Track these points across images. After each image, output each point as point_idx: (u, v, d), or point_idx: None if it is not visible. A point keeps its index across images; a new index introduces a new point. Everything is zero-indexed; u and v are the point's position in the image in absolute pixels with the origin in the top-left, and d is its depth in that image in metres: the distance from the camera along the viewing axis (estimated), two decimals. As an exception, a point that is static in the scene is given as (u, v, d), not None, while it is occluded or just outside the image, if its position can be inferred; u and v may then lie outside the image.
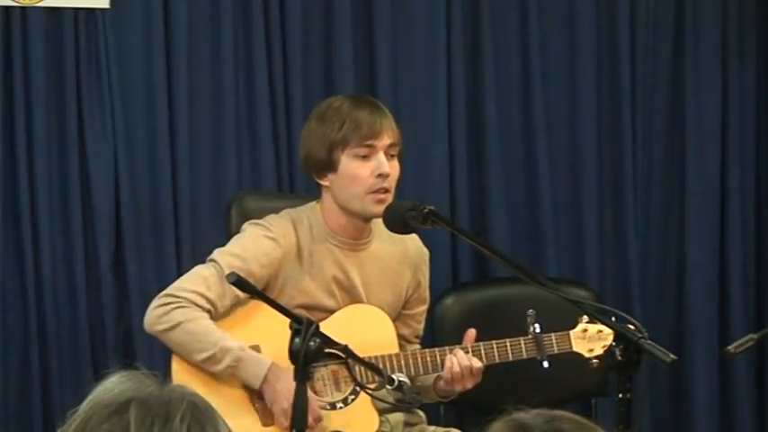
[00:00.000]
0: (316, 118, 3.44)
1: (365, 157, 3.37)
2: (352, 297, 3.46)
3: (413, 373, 3.39)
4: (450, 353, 3.37)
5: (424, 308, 3.63)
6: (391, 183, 3.39)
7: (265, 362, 3.28)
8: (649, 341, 2.55)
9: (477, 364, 3.35)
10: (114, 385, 1.55)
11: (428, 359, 3.39)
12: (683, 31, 4.53)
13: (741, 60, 4.58)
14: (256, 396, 3.33)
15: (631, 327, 2.64)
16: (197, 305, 3.30)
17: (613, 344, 2.59)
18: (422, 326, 3.64)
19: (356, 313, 3.45)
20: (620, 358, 2.55)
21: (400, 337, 3.56)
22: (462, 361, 3.35)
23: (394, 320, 3.53)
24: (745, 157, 4.61)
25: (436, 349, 3.42)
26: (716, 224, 4.59)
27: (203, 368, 3.30)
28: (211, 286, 3.31)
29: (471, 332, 3.40)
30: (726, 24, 4.57)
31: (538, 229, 4.42)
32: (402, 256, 3.54)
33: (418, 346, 3.59)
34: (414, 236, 3.50)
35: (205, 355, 3.27)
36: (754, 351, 4.32)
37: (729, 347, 3.39)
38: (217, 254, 3.39)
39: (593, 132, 4.47)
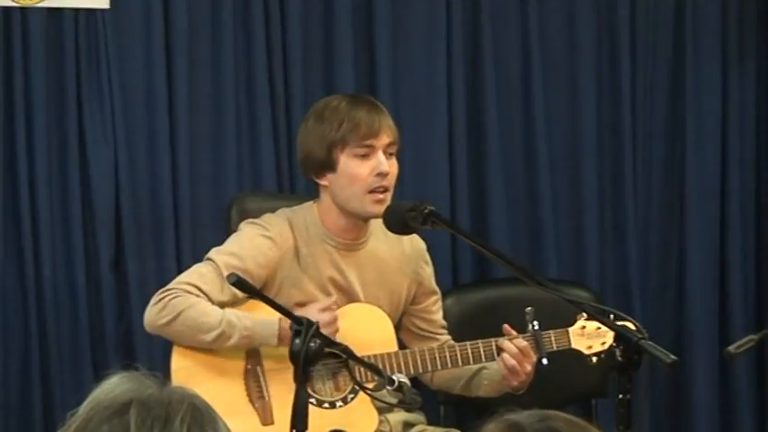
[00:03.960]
0: (313, 117, 3.45)
1: (364, 157, 3.37)
2: (349, 297, 3.47)
3: (420, 371, 3.41)
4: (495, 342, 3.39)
5: (435, 298, 3.64)
6: (390, 181, 3.40)
7: (273, 321, 3.27)
8: (649, 342, 2.56)
9: (521, 344, 3.37)
10: (114, 386, 1.55)
11: (435, 356, 3.40)
12: (683, 31, 4.53)
13: (741, 60, 4.58)
14: (257, 393, 3.33)
15: (631, 327, 2.64)
16: (191, 294, 3.31)
17: (614, 344, 2.59)
18: (440, 315, 3.65)
19: (354, 312, 3.45)
20: (620, 359, 2.55)
21: (423, 331, 3.57)
22: (510, 350, 3.36)
23: (409, 317, 3.55)
24: (745, 157, 4.61)
25: (445, 346, 3.44)
26: (716, 224, 4.59)
27: (214, 348, 3.30)
28: (208, 282, 3.32)
29: (508, 329, 3.41)
30: (726, 24, 4.57)
31: (538, 229, 4.42)
32: (399, 255, 3.55)
33: (448, 337, 3.59)
34: None
35: (214, 334, 3.28)
36: (754, 351, 4.32)
37: (730, 348, 3.39)
38: (214, 253, 3.40)
39: (593, 132, 4.47)
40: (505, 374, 3.37)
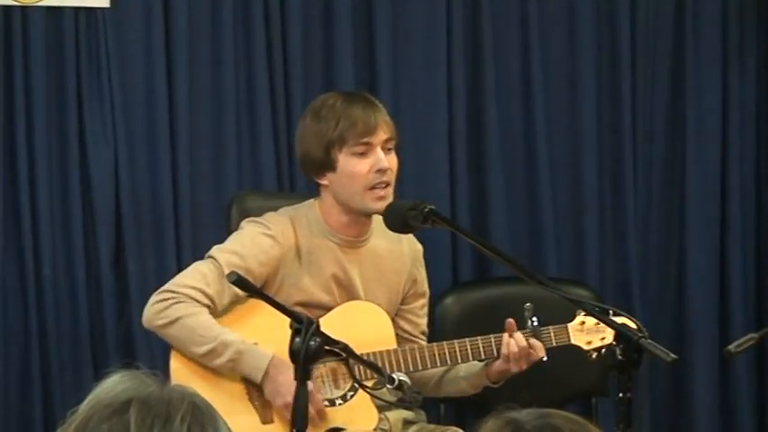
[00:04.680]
0: (310, 116, 3.45)
1: (363, 154, 3.38)
2: (350, 294, 3.47)
3: (420, 368, 3.40)
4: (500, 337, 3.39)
5: (423, 301, 3.64)
6: (391, 176, 3.40)
7: (266, 355, 3.28)
8: (650, 340, 2.55)
9: (537, 343, 3.36)
10: (115, 385, 1.55)
11: (435, 353, 3.40)
12: (683, 31, 4.53)
13: (741, 60, 4.58)
14: (256, 392, 3.34)
15: (632, 325, 2.64)
16: (196, 300, 3.31)
17: (614, 343, 2.59)
18: (424, 320, 3.64)
19: (354, 310, 3.45)
20: (620, 357, 2.55)
21: (404, 332, 3.56)
22: (520, 342, 3.36)
23: (394, 317, 3.54)
24: (746, 156, 4.61)
25: (444, 343, 3.43)
26: (716, 224, 4.59)
27: (203, 363, 3.30)
28: (210, 283, 3.32)
29: (510, 321, 3.41)
30: (726, 24, 4.57)
31: (538, 229, 4.42)
32: (398, 254, 3.55)
33: (426, 344, 3.58)
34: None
35: (205, 348, 3.28)
36: (754, 351, 4.32)
37: (730, 347, 3.39)
38: (215, 251, 3.40)
39: (594, 132, 4.47)
40: (502, 360, 3.37)
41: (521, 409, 1.65)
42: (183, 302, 3.30)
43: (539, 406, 1.66)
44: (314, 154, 3.41)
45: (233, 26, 4.10)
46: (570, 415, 1.64)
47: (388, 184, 3.39)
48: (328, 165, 3.39)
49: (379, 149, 3.38)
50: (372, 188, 3.37)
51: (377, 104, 3.45)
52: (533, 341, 3.37)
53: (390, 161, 3.40)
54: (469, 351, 3.41)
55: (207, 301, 3.32)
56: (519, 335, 3.37)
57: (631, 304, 4.43)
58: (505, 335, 3.37)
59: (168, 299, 3.31)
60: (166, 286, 3.35)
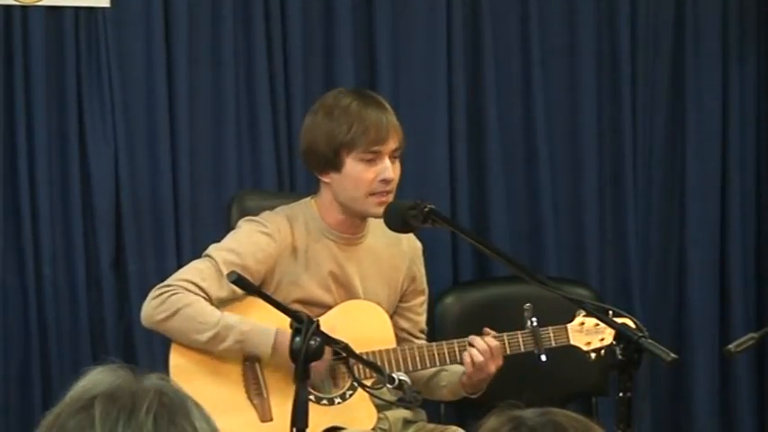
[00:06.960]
0: (322, 113, 3.43)
1: (370, 161, 3.38)
2: (348, 292, 3.47)
3: (419, 367, 3.40)
4: (465, 344, 3.38)
5: (422, 299, 3.64)
6: (393, 186, 3.40)
7: (270, 330, 3.27)
8: (650, 340, 2.55)
9: (493, 342, 3.36)
10: (88, 381, 1.51)
11: (434, 352, 3.40)
12: (683, 31, 4.53)
13: (741, 60, 4.58)
14: (255, 390, 3.34)
15: (631, 325, 2.64)
16: (191, 292, 3.31)
17: (614, 343, 2.58)
18: (423, 318, 3.64)
19: (353, 309, 3.45)
20: (620, 357, 2.54)
21: (403, 331, 3.56)
22: (480, 346, 3.35)
23: (392, 315, 3.54)
24: (746, 156, 4.61)
25: (444, 343, 3.43)
26: (716, 224, 4.59)
27: (206, 349, 3.30)
28: (206, 278, 3.33)
29: (487, 331, 3.40)
30: (726, 24, 4.57)
31: (538, 228, 4.42)
32: (396, 251, 3.56)
33: (424, 342, 3.58)
34: None
35: (208, 335, 3.28)
36: (754, 350, 4.32)
37: (730, 347, 3.38)
38: (212, 249, 3.40)
39: (593, 132, 4.47)
40: (469, 372, 3.37)
41: (523, 407, 1.65)
42: (180, 293, 3.30)
43: (539, 405, 1.66)
44: (321, 151, 3.40)
45: (233, 26, 4.10)
46: (572, 413, 1.64)
47: (389, 193, 3.40)
48: (334, 165, 3.40)
49: (386, 159, 3.39)
50: (374, 194, 3.38)
51: (389, 109, 3.45)
52: (488, 339, 3.37)
53: (395, 170, 3.41)
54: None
55: (202, 294, 3.32)
56: (477, 340, 3.36)
57: (631, 304, 4.43)
58: (465, 352, 3.36)
59: (164, 293, 3.32)
60: (161, 284, 3.35)
